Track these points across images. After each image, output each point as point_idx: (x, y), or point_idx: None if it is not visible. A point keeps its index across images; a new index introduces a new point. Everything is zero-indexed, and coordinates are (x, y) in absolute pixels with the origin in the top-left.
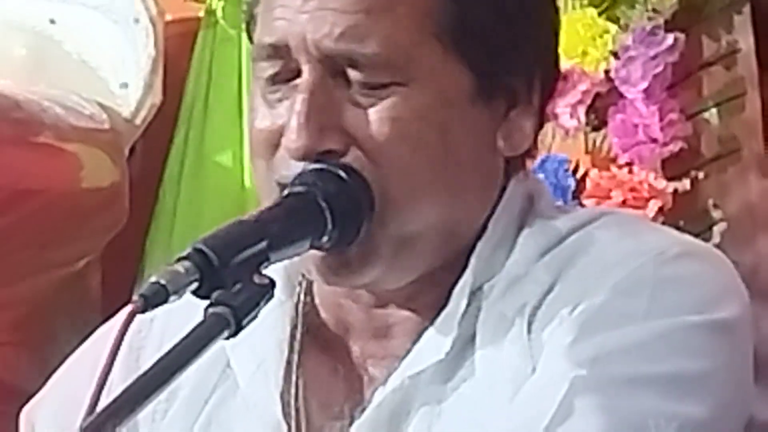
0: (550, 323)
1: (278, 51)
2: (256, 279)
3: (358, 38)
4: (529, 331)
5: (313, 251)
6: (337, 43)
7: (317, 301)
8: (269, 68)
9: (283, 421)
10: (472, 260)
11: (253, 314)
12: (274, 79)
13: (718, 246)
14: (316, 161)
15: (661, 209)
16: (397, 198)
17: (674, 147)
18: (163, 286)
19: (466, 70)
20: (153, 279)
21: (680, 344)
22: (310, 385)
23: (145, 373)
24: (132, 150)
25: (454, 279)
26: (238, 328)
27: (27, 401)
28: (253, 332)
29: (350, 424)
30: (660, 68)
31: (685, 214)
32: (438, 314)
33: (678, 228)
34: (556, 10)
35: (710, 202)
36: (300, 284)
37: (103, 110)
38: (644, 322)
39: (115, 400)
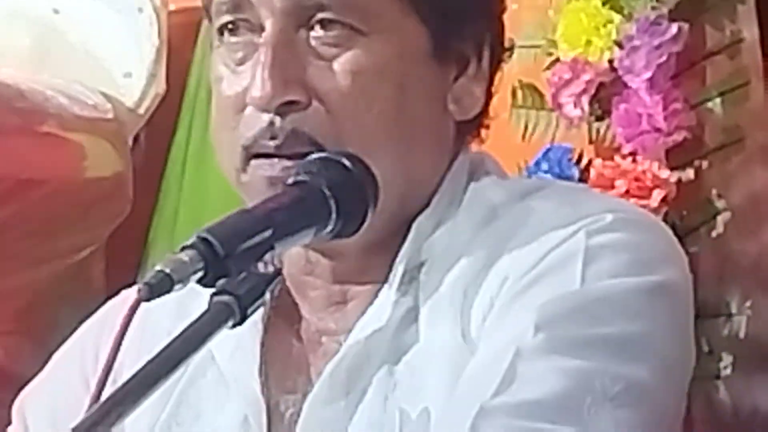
0: (484, 297)
1: (239, 6)
2: (261, 268)
3: None
4: (461, 308)
5: None
6: None
7: (286, 279)
8: (229, 24)
9: (262, 398)
10: (412, 231)
11: (258, 303)
12: (236, 34)
13: (721, 236)
14: (279, 114)
15: (664, 199)
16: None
17: (678, 137)
18: (168, 274)
19: (423, 28)
20: (158, 267)
21: (619, 306)
22: (270, 360)
23: (148, 364)
24: (136, 139)
25: (397, 248)
26: (243, 317)
27: None
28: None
29: (304, 397)
30: (664, 58)
31: (688, 204)
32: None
33: (681, 218)
34: None
35: (714, 192)
36: (273, 261)
37: (107, 100)
38: (581, 287)
39: (116, 393)
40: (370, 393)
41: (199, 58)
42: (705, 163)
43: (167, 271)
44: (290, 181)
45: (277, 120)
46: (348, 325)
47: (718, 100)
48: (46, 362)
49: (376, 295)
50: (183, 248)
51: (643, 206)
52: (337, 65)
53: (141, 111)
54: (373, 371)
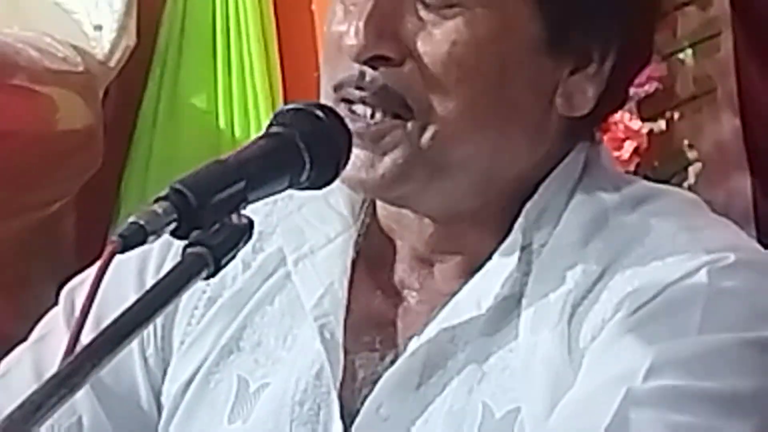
0: (595, 317)
1: None
2: (235, 219)
3: None
4: (570, 321)
5: (353, 158)
6: None
7: (379, 220)
8: None
9: (342, 346)
10: (520, 220)
11: (231, 254)
12: None
13: (693, 187)
14: (371, 66)
15: (636, 150)
16: (440, 120)
17: (649, 88)
18: (142, 226)
19: (539, 16)
20: (131, 219)
21: (734, 361)
22: (352, 307)
23: (123, 314)
24: (106, 92)
25: (499, 233)
26: (217, 269)
27: (2, 343)
28: (317, 255)
29: (381, 359)
30: None
31: (660, 155)
32: (481, 267)
33: (653, 169)
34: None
35: (685, 142)
36: (362, 208)
37: (77, 53)
38: (698, 336)
39: (94, 341)
40: (455, 381)
41: (170, 11)
42: (676, 114)
43: (141, 222)
44: (262, 132)
45: (368, 71)
46: (434, 287)
47: (689, 51)
48: (17, 315)
49: (465, 271)
50: (156, 200)
51: (615, 158)
52: (437, 31)
53: (111, 64)
54: (460, 358)
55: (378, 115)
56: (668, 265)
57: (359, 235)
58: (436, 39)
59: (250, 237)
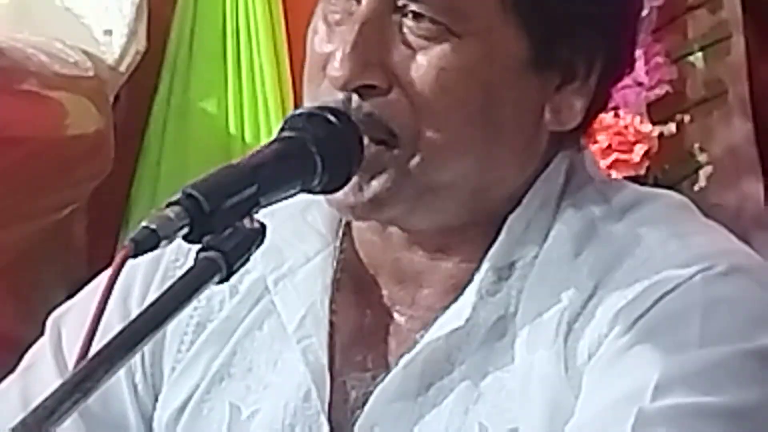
0: (591, 334)
1: None
2: (247, 223)
3: None
4: (566, 339)
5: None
6: None
7: (355, 241)
8: None
9: (328, 374)
10: (504, 230)
11: (244, 258)
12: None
13: (703, 190)
14: (358, 94)
15: (646, 153)
16: (427, 146)
17: (660, 91)
18: (154, 230)
19: (524, 35)
20: (144, 224)
21: (736, 373)
22: (339, 326)
23: (134, 321)
24: (117, 97)
25: (485, 244)
26: (230, 273)
27: (12, 347)
28: (297, 274)
29: (373, 379)
30: (645, 12)
31: (671, 158)
32: (470, 281)
33: (663, 172)
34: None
35: (696, 145)
36: (340, 226)
37: (88, 58)
38: (699, 350)
39: (106, 346)
40: (450, 400)
41: (180, 15)
42: (687, 117)
43: (153, 227)
44: (275, 136)
45: (355, 99)
46: (423, 302)
47: (699, 54)
48: (27, 319)
49: (453, 281)
50: (168, 204)
51: (625, 161)
52: (423, 58)
53: (122, 69)
54: (456, 377)
55: (364, 141)
56: (661, 275)
57: (341, 252)
58: (422, 66)
59: (262, 241)
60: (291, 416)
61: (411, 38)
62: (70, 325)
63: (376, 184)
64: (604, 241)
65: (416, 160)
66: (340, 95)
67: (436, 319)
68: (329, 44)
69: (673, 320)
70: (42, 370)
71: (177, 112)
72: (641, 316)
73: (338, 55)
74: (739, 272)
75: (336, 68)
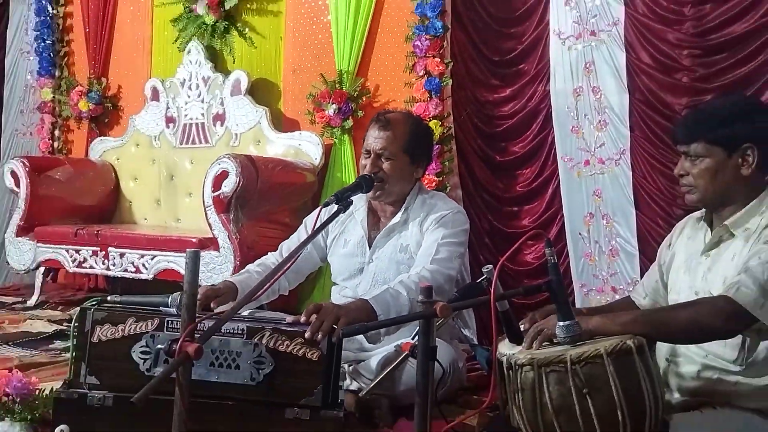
0: (424, 226)
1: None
2: (348, 198)
3: (386, 145)
4: (421, 226)
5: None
6: (379, 143)
7: (371, 203)
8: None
9: (367, 231)
10: (405, 203)
11: (345, 203)
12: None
13: None
14: (374, 172)
15: None
16: (388, 185)
17: None
18: (334, 196)
19: (414, 166)
20: (330, 197)
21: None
22: (368, 222)
23: (316, 231)
24: None
25: (403, 204)
26: (338, 204)
27: None
28: (359, 211)
29: (378, 232)
30: None
31: None
32: (398, 212)
33: None
34: (431, 150)
35: None
36: (367, 199)
37: None
38: (452, 227)
39: (302, 245)
40: (395, 236)
41: None
42: None
43: (333, 198)
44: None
45: (373, 174)
46: (388, 218)
47: None
48: None
49: (396, 213)
50: (326, 203)
51: None
52: (384, 162)
53: None
54: (397, 231)
55: (377, 184)
56: (443, 212)
57: (368, 206)
58: (385, 167)
59: (349, 204)
60: (359, 240)
61: (382, 161)
62: (309, 224)
63: (375, 194)
64: (427, 204)
65: (385, 190)
66: (369, 170)
67: (391, 218)
68: (365, 161)
69: (448, 219)
70: (296, 239)
71: None
72: (436, 221)
73: (367, 163)
74: (455, 210)
75: (366, 169)
